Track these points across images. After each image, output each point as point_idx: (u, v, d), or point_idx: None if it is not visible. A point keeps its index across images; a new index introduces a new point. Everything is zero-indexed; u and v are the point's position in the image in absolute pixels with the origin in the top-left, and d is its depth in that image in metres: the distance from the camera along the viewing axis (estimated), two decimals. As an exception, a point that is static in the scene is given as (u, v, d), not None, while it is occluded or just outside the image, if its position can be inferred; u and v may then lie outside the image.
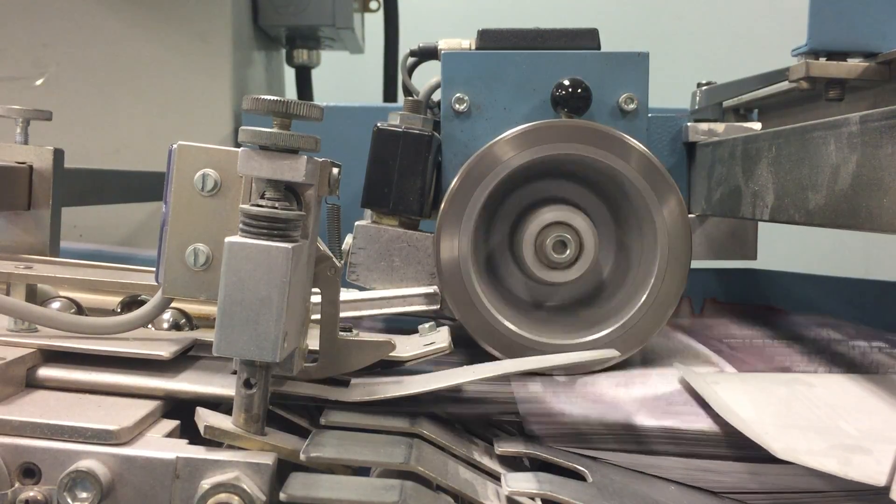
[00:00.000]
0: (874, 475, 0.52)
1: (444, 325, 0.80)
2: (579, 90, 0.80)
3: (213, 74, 1.45)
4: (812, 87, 0.78)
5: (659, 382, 0.72)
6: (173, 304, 0.72)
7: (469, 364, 0.73)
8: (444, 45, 0.89)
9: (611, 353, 0.71)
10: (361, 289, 0.83)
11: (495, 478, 0.59)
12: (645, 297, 0.77)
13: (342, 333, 0.65)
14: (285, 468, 0.54)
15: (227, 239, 0.53)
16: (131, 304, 0.77)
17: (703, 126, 0.93)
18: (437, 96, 0.92)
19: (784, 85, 0.91)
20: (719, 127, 0.92)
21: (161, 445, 0.55)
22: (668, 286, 0.77)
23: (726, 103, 1.04)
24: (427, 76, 0.95)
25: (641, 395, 0.69)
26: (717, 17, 2.33)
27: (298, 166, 0.54)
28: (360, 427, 0.60)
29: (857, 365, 0.83)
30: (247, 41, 1.57)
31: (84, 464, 0.52)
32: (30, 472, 0.53)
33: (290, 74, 1.84)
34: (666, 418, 0.64)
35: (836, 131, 0.59)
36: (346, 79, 2.07)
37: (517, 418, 0.65)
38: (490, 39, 0.85)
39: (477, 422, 0.66)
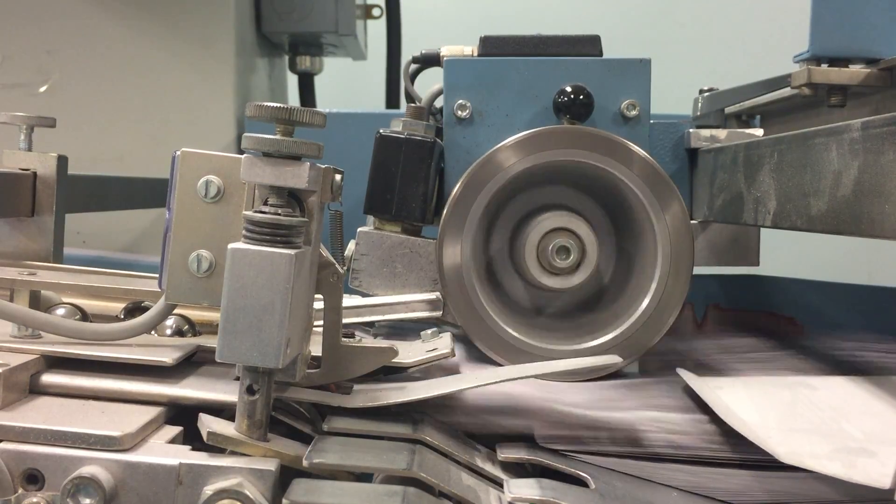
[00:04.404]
0: (879, 478, 0.52)
1: (446, 331, 0.80)
2: (581, 97, 0.80)
3: (216, 81, 1.46)
4: (814, 94, 0.78)
5: (662, 387, 0.72)
6: (176, 311, 0.72)
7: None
8: (446, 51, 0.89)
9: (613, 360, 0.71)
10: (364, 295, 0.83)
11: (498, 484, 0.59)
12: (647, 303, 0.77)
13: (345, 339, 0.65)
14: (288, 474, 0.54)
15: (230, 245, 0.53)
16: (134, 310, 0.77)
17: (705, 132, 0.93)
18: (439, 103, 0.92)
19: (786, 91, 0.91)
20: (721, 133, 0.93)
21: (164, 451, 0.55)
22: (670, 292, 0.77)
23: (728, 109, 1.04)
24: (429, 83, 0.95)
25: (644, 401, 0.69)
26: (718, 23, 2.33)
27: (301, 173, 0.54)
28: (363, 433, 0.60)
29: (864, 372, 0.82)
30: (250, 48, 1.58)
31: (87, 470, 0.52)
32: (33, 479, 0.53)
33: (293, 81, 1.84)
34: (668, 423, 0.64)
35: (838, 137, 0.59)
36: (349, 85, 2.08)
37: (520, 425, 0.65)
38: (492, 46, 0.85)
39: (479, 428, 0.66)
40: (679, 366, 0.76)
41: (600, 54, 0.84)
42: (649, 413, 0.66)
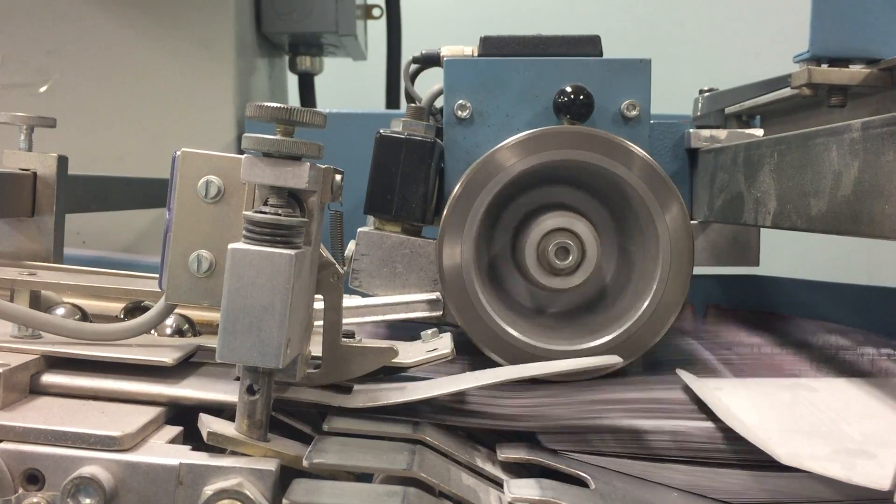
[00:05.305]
0: (878, 479, 0.52)
1: (446, 331, 0.80)
2: (581, 97, 0.80)
3: (216, 81, 1.46)
4: (814, 94, 0.78)
5: (662, 388, 0.72)
6: (176, 311, 0.72)
7: (471, 370, 0.73)
8: (446, 51, 0.89)
9: (613, 360, 0.71)
10: (364, 295, 0.83)
11: (498, 484, 0.59)
12: (647, 303, 0.77)
13: (345, 340, 0.65)
14: (288, 474, 0.54)
15: (231, 245, 0.53)
16: (134, 310, 0.77)
17: (706, 132, 0.93)
18: (439, 103, 0.92)
19: (786, 91, 0.91)
20: (721, 133, 0.93)
21: (164, 451, 0.55)
22: (670, 293, 0.77)
23: (728, 110, 1.05)
24: (429, 83, 0.95)
25: (644, 400, 0.69)
26: (719, 23, 2.33)
27: (301, 173, 0.55)
28: (363, 433, 0.60)
29: (866, 374, 0.82)
30: (250, 48, 1.58)
31: (87, 470, 0.52)
32: (33, 479, 0.53)
33: (293, 81, 1.84)
34: (668, 421, 0.64)
35: (838, 138, 0.59)
36: (349, 85, 2.08)
37: (519, 426, 0.65)
38: (492, 46, 0.85)
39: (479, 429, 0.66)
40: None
41: (600, 54, 0.84)
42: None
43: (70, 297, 0.76)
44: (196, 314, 0.76)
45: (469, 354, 0.79)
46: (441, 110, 0.91)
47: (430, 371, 0.72)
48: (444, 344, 0.74)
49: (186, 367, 0.67)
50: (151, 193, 1.22)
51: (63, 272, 0.77)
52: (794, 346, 0.96)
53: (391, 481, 0.55)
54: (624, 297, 0.81)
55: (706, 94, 1.06)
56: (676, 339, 0.96)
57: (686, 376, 0.74)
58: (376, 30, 1.88)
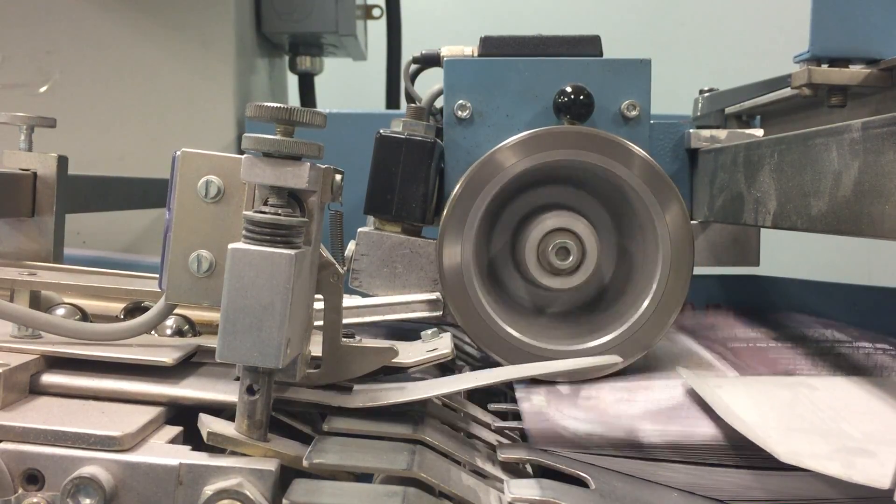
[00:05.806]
0: (878, 478, 0.52)
1: (446, 331, 0.80)
2: (581, 97, 0.80)
3: (216, 81, 1.46)
4: (814, 94, 0.78)
5: (662, 389, 0.72)
6: (176, 311, 0.72)
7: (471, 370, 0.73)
8: (446, 51, 0.89)
9: (613, 360, 0.71)
10: (364, 295, 0.83)
11: (498, 484, 0.59)
12: (647, 303, 0.77)
13: (345, 340, 0.65)
14: (288, 474, 0.54)
15: (231, 245, 0.53)
16: (134, 310, 0.77)
17: (706, 133, 0.93)
18: (439, 103, 0.92)
19: (786, 91, 0.91)
20: (721, 133, 0.93)
21: (164, 452, 0.55)
22: (670, 293, 0.77)
23: (728, 110, 1.05)
24: (430, 83, 0.95)
25: (644, 407, 0.69)
26: (719, 23, 2.33)
27: (301, 173, 0.55)
28: (363, 433, 0.60)
29: (861, 367, 0.82)
30: (250, 48, 1.58)
31: (87, 470, 0.52)
32: (33, 479, 0.53)
33: (293, 81, 1.84)
34: (670, 426, 0.64)
35: (838, 138, 0.59)
36: (349, 86, 2.08)
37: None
38: (492, 46, 0.85)
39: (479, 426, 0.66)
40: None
41: (600, 54, 0.84)
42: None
43: (70, 297, 0.76)
44: (196, 314, 0.76)
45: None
46: (441, 110, 0.91)
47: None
48: (444, 344, 0.74)
49: (186, 367, 0.67)
50: (151, 193, 1.23)
51: (63, 272, 0.77)
52: (790, 338, 0.96)
53: (391, 481, 0.55)
54: (624, 296, 0.81)
55: (706, 94, 1.06)
56: (675, 335, 0.96)
57: (686, 374, 0.74)
58: (376, 30, 1.88)
